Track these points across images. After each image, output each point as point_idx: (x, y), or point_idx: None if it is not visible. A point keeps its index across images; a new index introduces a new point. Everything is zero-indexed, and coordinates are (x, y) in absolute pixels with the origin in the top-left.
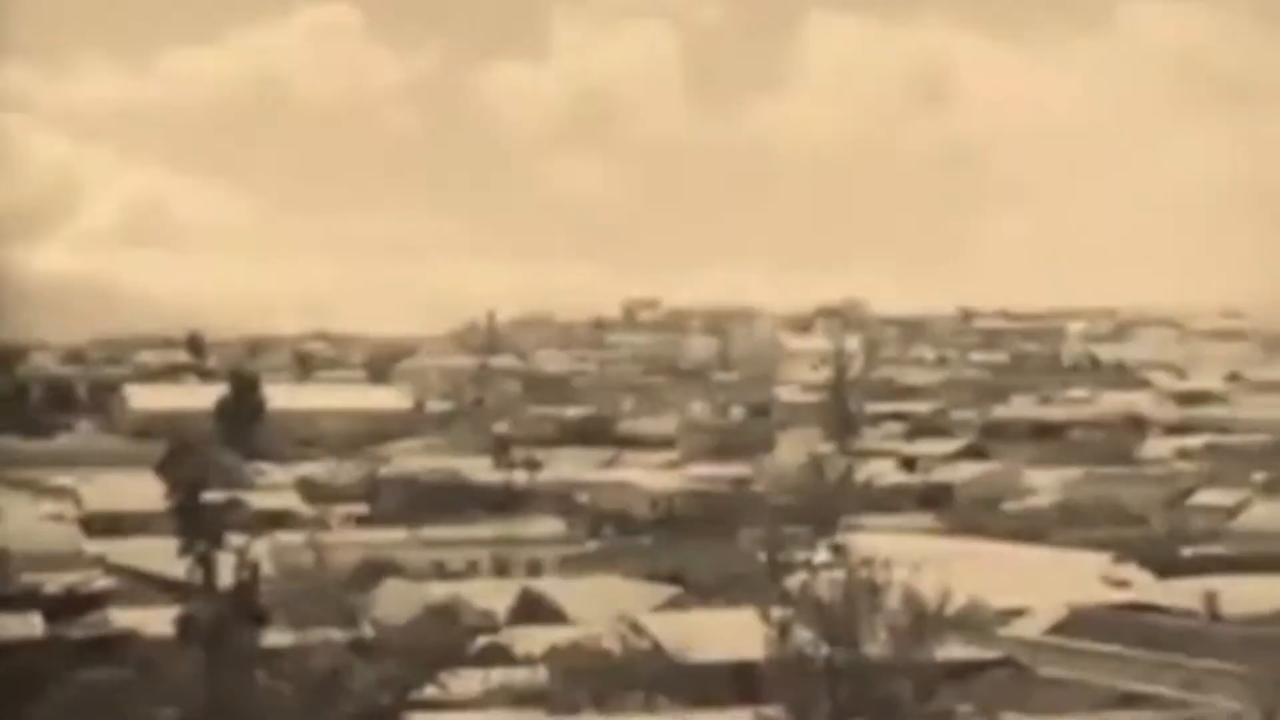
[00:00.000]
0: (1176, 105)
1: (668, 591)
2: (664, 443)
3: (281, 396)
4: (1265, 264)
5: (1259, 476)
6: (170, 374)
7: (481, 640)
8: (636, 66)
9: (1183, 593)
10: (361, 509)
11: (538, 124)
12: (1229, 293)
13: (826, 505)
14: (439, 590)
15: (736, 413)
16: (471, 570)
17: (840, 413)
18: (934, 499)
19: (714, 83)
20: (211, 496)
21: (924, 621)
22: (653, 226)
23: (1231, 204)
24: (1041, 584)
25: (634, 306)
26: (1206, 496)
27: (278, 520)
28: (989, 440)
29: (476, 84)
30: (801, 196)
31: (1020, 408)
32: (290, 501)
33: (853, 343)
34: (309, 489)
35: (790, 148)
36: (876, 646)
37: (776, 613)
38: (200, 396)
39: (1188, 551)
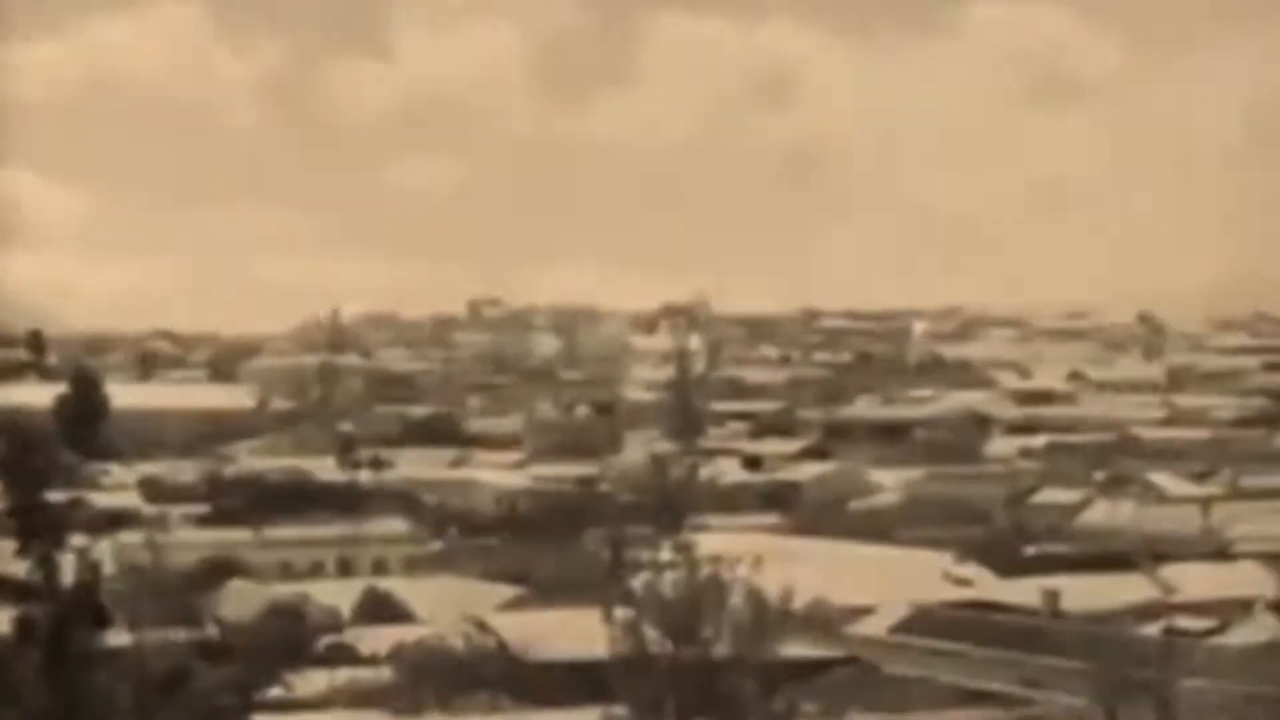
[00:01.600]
0: (1019, 107)
1: (513, 591)
2: (510, 442)
3: (124, 395)
4: (1105, 263)
5: (1100, 475)
6: (10, 372)
7: (326, 640)
8: (481, 65)
9: (1024, 591)
10: (204, 509)
11: (382, 121)
12: (1071, 292)
13: (671, 504)
14: (284, 590)
15: (582, 412)
16: (316, 570)
17: (685, 412)
18: (779, 498)
19: (559, 82)
20: (52, 496)
21: (767, 620)
22: (498, 225)
23: (1073, 204)
24: (885, 583)
25: (479, 305)
26: (1048, 495)
27: (120, 520)
28: (833, 439)
29: (320, 81)
30: (647, 196)
31: (864, 407)
32: (133, 501)
33: (697, 342)
34: (152, 488)
35: (636, 147)
36: (721, 645)
37: (620, 612)
38: (40, 395)
39: (1029, 550)
